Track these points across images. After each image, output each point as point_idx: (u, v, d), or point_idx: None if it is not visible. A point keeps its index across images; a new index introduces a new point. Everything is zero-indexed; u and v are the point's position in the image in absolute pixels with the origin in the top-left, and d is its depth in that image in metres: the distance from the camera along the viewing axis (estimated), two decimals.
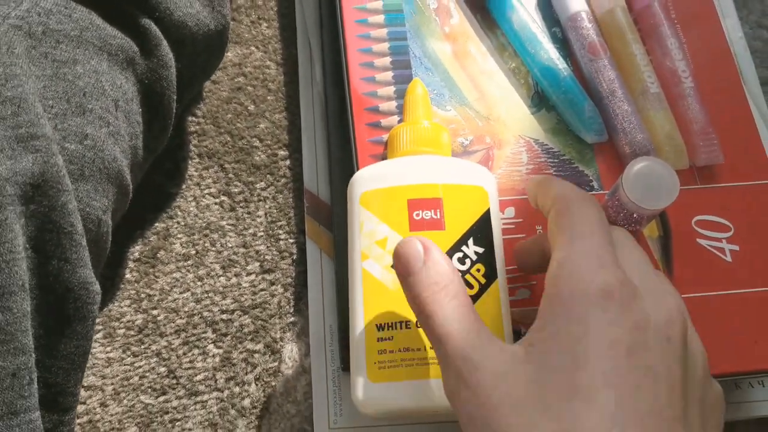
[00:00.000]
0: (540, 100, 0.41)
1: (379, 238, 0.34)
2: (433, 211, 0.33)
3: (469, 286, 0.33)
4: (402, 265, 0.30)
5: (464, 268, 0.33)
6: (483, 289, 0.33)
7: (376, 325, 0.33)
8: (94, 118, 0.32)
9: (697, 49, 0.43)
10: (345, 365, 0.39)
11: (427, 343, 0.32)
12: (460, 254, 0.33)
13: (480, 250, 0.34)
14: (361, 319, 0.33)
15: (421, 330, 0.33)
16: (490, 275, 0.33)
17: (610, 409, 0.25)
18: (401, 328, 0.33)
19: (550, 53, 0.41)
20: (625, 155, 0.40)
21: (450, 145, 0.37)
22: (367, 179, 0.35)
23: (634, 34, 0.42)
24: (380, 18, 0.42)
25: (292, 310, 0.42)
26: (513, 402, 0.26)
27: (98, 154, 0.32)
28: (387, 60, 0.41)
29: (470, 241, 0.34)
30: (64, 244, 0.30)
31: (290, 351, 0.41)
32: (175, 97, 0.38)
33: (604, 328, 0.26)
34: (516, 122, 0.41)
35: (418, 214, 0.33)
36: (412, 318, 0.33)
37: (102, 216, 0.33)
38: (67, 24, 0.32)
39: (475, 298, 0.33)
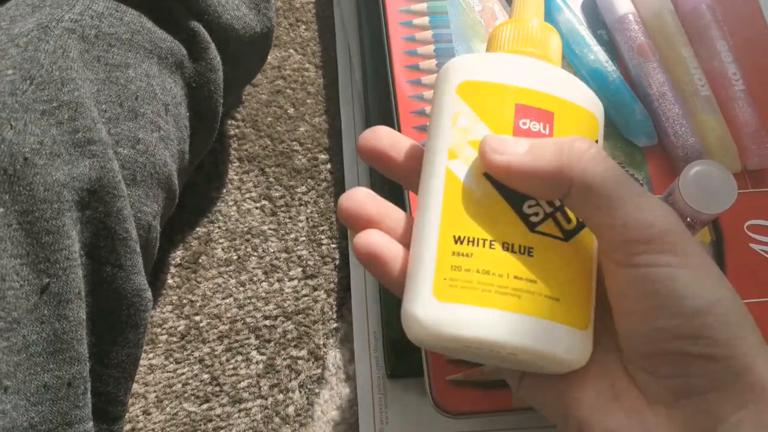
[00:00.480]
0: None
1: (473, 137, 0.28)
2: (542, 124, 0.28)
3: (567, 220, 0.28)
4: (497, 147, 0.27)
5: None
6: (579, 227, 0.28)
7: (454, 236, 0.27)
8: (146, 122, 0.32)
9: (745, 52, 0.43)
10: (390, 372, 0.39)
11: (513, 271, 0.27)
12: None
13: None
14: (435, 225, 0.28)
15: (508, 254, 0.27)
16: None
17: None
18: (484, 246, 0.27)
19: (598, 55, 0.41)
20: (676, 159, 0.39)
21: (561, 54, 0.31)
22: (469, 67, 0.29)
23: (683, 37, 0.42)
24: (425, 20, 0.42)
25: (335, 315, 0.42)
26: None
27: (150, 159, 0.32)
28: (433, 62, 0.40)
29: None
30: (119, 250, 0.30)
31: (334, 357, 0.41)
32: (221, 101, 0.37)
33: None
34: None
35: (524, 123, 0.28)
36: (498, 238, 0.27)
37: (152, 221, 0.33)
38: (119, 27, 0.32)
39: (569, 235, 0.28)
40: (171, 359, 0.40)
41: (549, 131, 0.28)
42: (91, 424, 0.29)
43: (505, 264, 0.27)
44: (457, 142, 0.28)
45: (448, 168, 0.28)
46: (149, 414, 0.39)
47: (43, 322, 0.27)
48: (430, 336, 0.27)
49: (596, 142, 0.29)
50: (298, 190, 0.44)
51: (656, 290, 0.25)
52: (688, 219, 0.35)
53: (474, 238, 0.27)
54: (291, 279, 0.42)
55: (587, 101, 0.29)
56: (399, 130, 0.39)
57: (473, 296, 0.26)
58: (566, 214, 0.28)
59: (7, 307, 0.26)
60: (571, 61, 0.42)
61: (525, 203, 0.27)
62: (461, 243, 0.27)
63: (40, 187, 0.27)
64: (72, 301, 0.28)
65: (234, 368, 0.40)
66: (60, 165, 0.28)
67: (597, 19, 0.43)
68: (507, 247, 0.27)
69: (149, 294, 0.32)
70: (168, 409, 0.39)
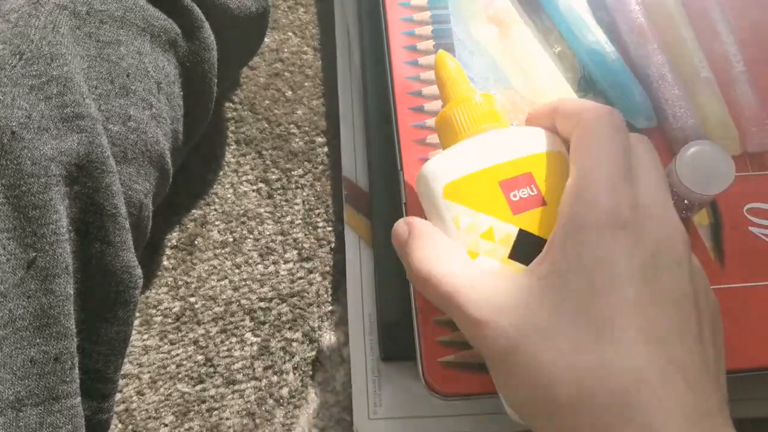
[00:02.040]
0: (587, 84, 0.40)
1: (483, 230, 0.30)
2: (528, 187, 0.30)
3: None
4: (396, 247, 0.32)
5: None
6: None
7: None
8: (137, 99, 0.32)
9: (747, 34, 0.42)
10: (384, 355, 0.39)
11: None
12: None
13: None
14: None
15: None
16: None
17: (639, 337, 0.25)
18: None
19: (597, 36, 0.40)
20: (675, 140, 0.39)
21: (505, 114, 0.34)
22: (444, 170, 0.31)
23: (683, 18, 0.41)
24: (423, 1, 0.41)
25: (330, 298, 0.41)
26: (542, 332, 0.26)
27: (141, 136, 0.32)
28: (430, 43, 0.40)
29: None
30: (108, 226, 0.30)
31: (329, 340, 0.41)
32: (216, 81, 0.37)
33: (620, 258, 0.26)
34: None
35: (515, 195, 0.30)
36: None
37: (144, 199, 0.33)
38: (111, 4, 0.32)
39: None
40: (165, 340, 0.40)
41: (536, 190, 0.30)
42: (78, 399, 0.29)
43: None
44: (471, 241, 0.30)
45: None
46: (143, 394, 0.39)
47: (29, 297, 0.27)
48: None
49: None
50: (295, 173, 0.44)
51: (502, 378, 0.28)
52: (685, 201, 0.35)
53: None
54: (286, 261, 0.42)
55: (552, 143, 0.31)
56: (395, 111, 0.39)
57: None
58: None
59: None
60: (571, 42, 0.41)
61: None
62: None
63: (28, 161, 0.27)
64: (59, 275, 0.28)
65: (228, 350, 0.40)
66: (48, 139, 0.28)
67: (597, 0, 0.42)
68: None
69: (139, 271, 0.32)
70: (162, 389, 0.39)
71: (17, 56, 0.28)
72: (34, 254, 0.27)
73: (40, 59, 0.29)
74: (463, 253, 0.29)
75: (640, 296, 0.26)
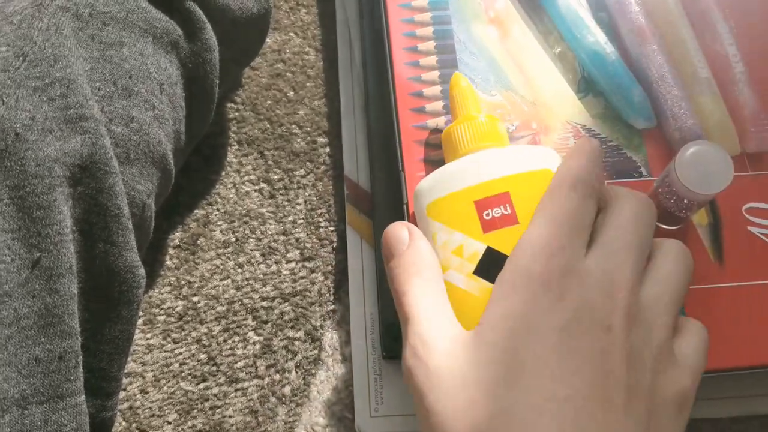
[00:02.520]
0: (587, 85, 0.40)
1: (454, 247, 0.32)
2: (502, 207, 0.31)
3: None
4: (387, 249, 0.33)
5: None
6: None
7: None
8: (140, 101, 0.32)
9: (746, 34, 0.42)
10: (386, 353, 0.39)
11: None
12: None
13: None
14: None
15: None
16: None
17: (547, 390, 0.26)
18: None
19: (597, 37, 0.40)
20: (674, 141, 0.39)
21: (506, 134, 0.35)
22: (429, 189, 0.33)
23: (683, 19, 0.41)
24: (424, 2, 0.42)
25: (332, 298, 0.42)
26: (458, 380, 0.28)
27: (143, 137, 0.32)
28: (431, 44, 0.40)
29: None
30: (111, 226, 0.30)
31: (330, 339, 0.41)
32: (217, 82, 0.37)
33: (543, 315, 0.28)
34: (563, 107, 0.40)
35: (488, 214, 0.31)
36: None
37: (146, 200, 0.33)
38: (114, 6, 0.32)
39: None
40: (169, 339, 0.40)
41: (510, 209, 0.31)
42: (83, 397, 0.29)
43: None
44: (445, 257, 0.32)
45: (446, 280, 0.31)
46: (147, 393, 0.39)
47: (34, 296, 0.27)
48: None
49: None
50: (297, 173, 0.44)
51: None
52: (685, 200, 0.35)
53: None
54: (289, 261, 0.42)
55: (539, 161, 0.33)
56: (397, 112, 0.39)
57: None
58: None
59: None
60: (570, 43, 0.41)
61: None
62: None
63: (32, 162, 0.27)
64: (63, 275, 0.28)
65: (231, 348, 0.40)
66: (51, 141, 0.28)
67: (597, 1, 0.43)
68: None
69: (142, 271, 0.32)
70: (165, 388, 0.39)
71: (21, 58, 0.29)
72: (38, 254, 0.27)
73: (43, 61, 0.29)
74: (444, 305, 0.31)
75: (555, 353, 0.27)
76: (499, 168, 0.32)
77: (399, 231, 0.32)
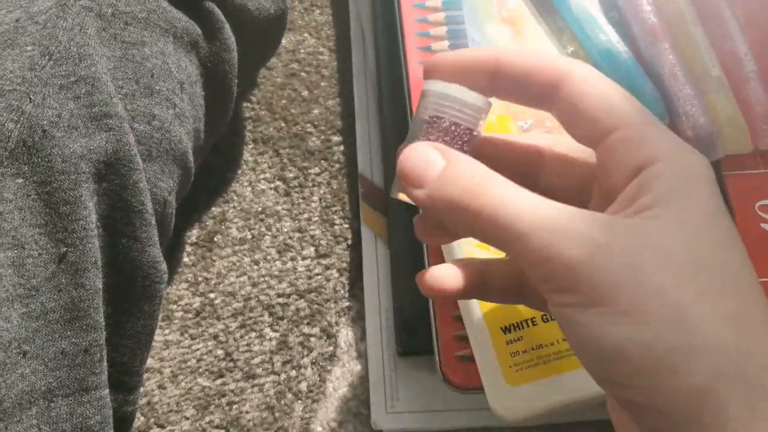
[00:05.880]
0: None
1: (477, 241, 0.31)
2: None
3: None
4: (411, 175, 0.24)
5: None
6: None
7: (501, 328, 0.32)
8: (162, 99, 0.33)
9: (758, 33, 0.42)
10: (401, 349, 0.39)
11: (559, 336, 0.31)
12: None
13: None
14: (483, 327, 0.33)
15: (549, 324, 0.32)
16: None
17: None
18: (528, 326, 0.32)
19: (610, 36, 0.41)
20: (687, 139, 0.39)
21: (519, 133, 0.35)
22: None
23: (694, 17, 0.42)
24: (438, 2, 0.42)
25: (347, 294, 0.42)
26: (674, 269, 0.21)
27: (165, 135, 0.33)
28: (445, 44, 0.41)
29: None
30: (135, 222, 0.31)
31: (346, 335, 0.41)
32: (236, 81, 0.38)
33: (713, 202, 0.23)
34: None
35: None
36: (537, 314, 0.32)
37: (168, 197, 0.33)
38: (135, 6, 0.33)
39: None
40: (186, 335, 0.41)
41: None
42: (107, 391, 0.30)
43: (550, 332, 0.32)
44: (469, 249, 0.32)
45: None
46: (164, 388, 0.40)
47: (60, 290, 0.28)
48: (521, 417, 0.31)
49: None
50: (312, 171, 0.45)
51: (569, 334, 0.22)
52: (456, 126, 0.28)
53: (517, 322, 0.32)
54: (304, 258, 0.43)
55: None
56: (411, 112, 0.40)
57: (538, 371, 0.31)
58: None
59: (26, 274, 0.27)
60: (583, 42, 0.42)
61: None
62: (510, 331, 0.32)
63: (58, 158, 0.28)
64: (89, 270, 0.29)
65: (247, 344, 0.41)
66: (77, 138, 0.28)
67: (609, 0, 0.43)
68: (546, 318, 0.32)
69: (164, 266, 0.32)
70: (183, 383, 0.40)
71: (47, 57, 0.29)
72: (65, 249, 0.28)
73: (68, 59, 0.29)
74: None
75: (734, 236, 0.23)
76: None
77: (425, 152, 0.25)
